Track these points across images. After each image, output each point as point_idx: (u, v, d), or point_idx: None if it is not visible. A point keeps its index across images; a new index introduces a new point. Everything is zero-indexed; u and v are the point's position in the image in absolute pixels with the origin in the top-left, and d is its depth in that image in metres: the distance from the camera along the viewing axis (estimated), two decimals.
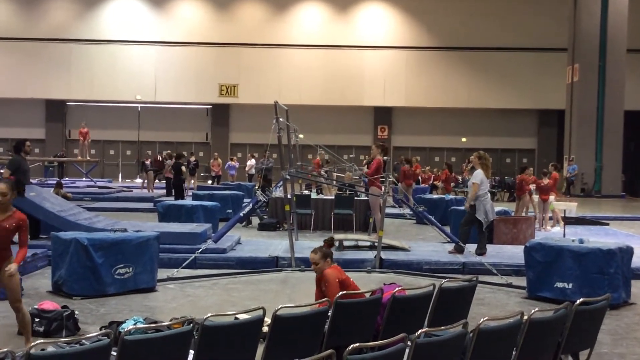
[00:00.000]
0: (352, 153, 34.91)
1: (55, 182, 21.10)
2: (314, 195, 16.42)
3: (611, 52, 29.48)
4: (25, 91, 34.39)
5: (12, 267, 5.94)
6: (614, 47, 29.47)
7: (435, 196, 19.53)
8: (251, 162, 29.91)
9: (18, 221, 6.04)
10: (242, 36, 34.87)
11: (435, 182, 25.21)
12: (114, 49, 35.02)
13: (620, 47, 29.55)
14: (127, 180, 34.31)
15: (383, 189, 11.66)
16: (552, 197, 16.25)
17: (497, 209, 14.92)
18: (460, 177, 27.62)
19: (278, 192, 15.50)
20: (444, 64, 35.04)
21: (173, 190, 20.52)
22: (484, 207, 11.35)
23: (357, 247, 11.94)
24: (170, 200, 17.39)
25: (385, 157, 12.91)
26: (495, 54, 34.81)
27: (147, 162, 27.43)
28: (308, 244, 12.46)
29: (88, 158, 30.20)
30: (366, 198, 15.53)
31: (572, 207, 15.47)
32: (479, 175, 11.43)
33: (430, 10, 34.85)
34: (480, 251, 11.10)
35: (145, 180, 27.03)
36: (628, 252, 8.66)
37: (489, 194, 11.65)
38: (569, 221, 15.82)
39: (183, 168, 20.51)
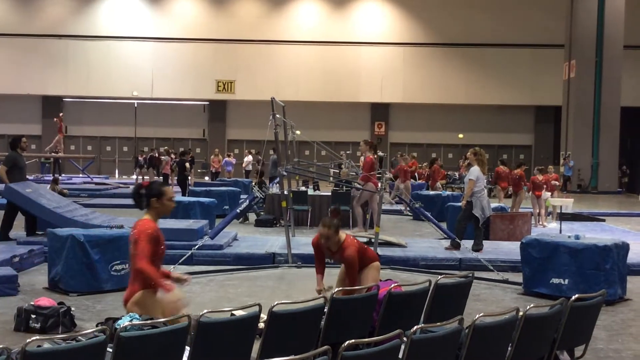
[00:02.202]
0: (349, 149, 34.88)
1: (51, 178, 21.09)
2: (310, 192, 16.42)
3: (608, 49, 29.52)
4: (21, 87, 34.32)
5: None
6: (611, 43, 29.50)
7: (431, 192, 19.54)
8: (248, 158, 29.88)
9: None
10: (239, 32, 34.83)
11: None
12: (111, 45, 34.96)
13: (617, 43, 29.58)
14: (123, 177, 34.29)
15: (380, 185, 11.66)
16: (547, 194, 16.30)
17: (493, 205, 14.97)
18: (457, 173, 27.66)
19: (275, 189, 15.51)
20: (441, 60, 35.05)
21: (179, 187, 20.65)
22: (481, 203, 11.39)
23: None
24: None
25: (381, 154, 12.93)
26: (492, 50, 34.82)
27: (140, 159, 27.40)
28: (305, 240, 12.44)
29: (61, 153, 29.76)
30: None
31: (568, 204, 15.50)
32: (475, 171, 11.49)
33: (427, 6, 34.84)
34: (477, 247, 11.12)
35: (142, 177, 27.03)
36: (624, 248, 8.68)
37: (485, 190, 11.70)
38: (565, 217, 15.86)
39: (187, 165, 20.59)
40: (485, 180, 12.01)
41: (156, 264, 5.05)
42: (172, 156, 24.50)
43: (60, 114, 30.23)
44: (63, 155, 32.23)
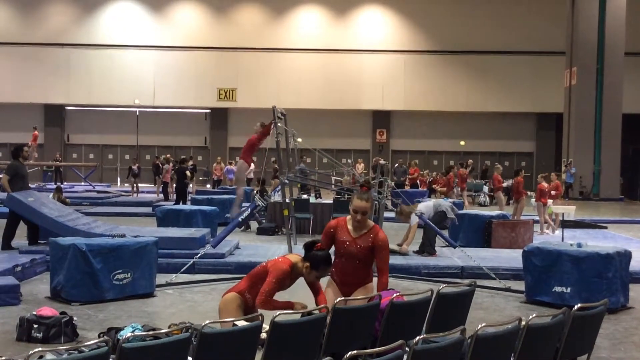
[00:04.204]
0: (350, 157, 34.90)
1: (54, 187, 21.12)
2: (312, 200, 16.43)
3: (609, 56, 29.55)
4: (23, 96, 34.39)
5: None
6: (612, 50, 29.53)
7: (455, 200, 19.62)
8: (251, 166, 29.82)
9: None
10: (240, 40, 34.91)
11: (434, 186, 25.21)
12: (113, 53, 35.06)
13: (618, 50, 29.62)
14: (125, 185, 34.30)
15: (383, 193, 11.66)
16: (550, 201, 16.29)
17: (494, 212, 14.99)
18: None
19: (276, 197, 15.51)
20: (443, 67, 35.09)
21: (175, 195, 20.48)
22: (449, 207, 12.42)
23: None
24: (170, 205, 17.38)
25: (382, 162, 12.97)
26: (494, 58, 34.87)
27: (134, 167, 27.40)
28: None
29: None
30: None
31: (570, 211, 15.50)
32: (414, 218, 11.81)
33: (429, 13, 34.91)
34: (426, 252, 11.62)
35: (136, 186, 27.03)
36: (626, 256, 8.67)
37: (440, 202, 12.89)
38: (567, 224, 15.85)
39: (187, 173, 20.47)
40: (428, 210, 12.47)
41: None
42: (171, 164, 24.48)
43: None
44: (64, 163, 32.29)
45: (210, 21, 35.46)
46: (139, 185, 27.86)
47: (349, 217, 5.76)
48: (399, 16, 35.36)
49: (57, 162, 31.63)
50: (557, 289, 8.44)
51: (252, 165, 29.53)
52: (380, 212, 11.14)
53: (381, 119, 36.18)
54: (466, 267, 10.56)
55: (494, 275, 9.81)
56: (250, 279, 5.61)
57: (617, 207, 26.70)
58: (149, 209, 19.68)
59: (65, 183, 29.89)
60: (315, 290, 5.65)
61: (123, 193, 26.98)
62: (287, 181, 11.89)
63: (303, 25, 35.44)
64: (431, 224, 11.53)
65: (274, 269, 5.45)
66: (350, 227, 5.68)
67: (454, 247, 11.45)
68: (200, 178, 31.96)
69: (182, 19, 35.48)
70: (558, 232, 15.85)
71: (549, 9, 33.86)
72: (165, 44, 35.08)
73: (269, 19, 35.43)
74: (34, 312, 6.75)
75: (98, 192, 26.91)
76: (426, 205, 12.47)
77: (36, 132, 29.62)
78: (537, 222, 16.23)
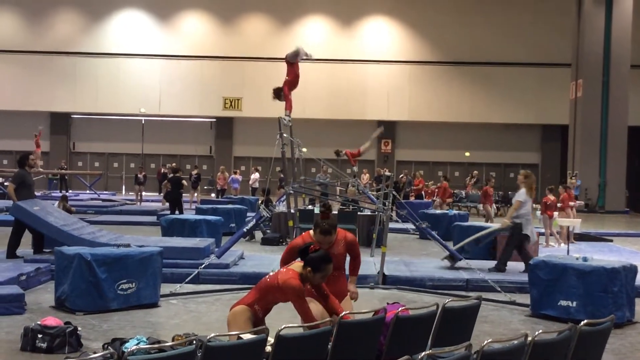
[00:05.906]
0: (355, 167, 34.82)
1: (59, 194, 21.13)
2: (317, 210, 16.39)
3: (615, 68, 29.53)
4: (30, 103, 34.53)
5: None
6: (618, 62, 29.52)
7: (438, 211, 19.52)
8: (255, 175, 29.87)
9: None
10: (246, 50, 35.01)
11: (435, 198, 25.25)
12: (119, 62, 35.19)
13: (624, 62, 29.61)
14: (130, 193, 34.35)
15: (388, 204, 11.63)
16: (555, 214, 16.24)
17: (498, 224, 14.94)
18: (464, 192, 27.65)
19: (281, 207, 15.51)
20: (448, 78, 35.12)
21: (168, 204, 20.13)
22: (530, 225, 11.52)
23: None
24: (174, 215, 17.35)
25: (388, 173, 12.93)
26: (499, 69, 34.88)
27: (140, 176, 27.42)
28: None
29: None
30: (370, 213, 15.57)
31: (576, 224, 15.43)
32: (522, 194, 11.55)
33: (434, 24, 34.96)
34: (502, 267, 11.20)
35: (140, 195, 27.04)
36: (632, 270, 8.64)
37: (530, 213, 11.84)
38: (573, 237, 15.79)
39: (184, 182, 20.11)
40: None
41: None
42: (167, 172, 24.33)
43: (40, 128, 30.34)
44: (69, 171, 32.35)
45: (216, 31, 35.59)
46: (143, 193, 27.87)
47: (311, 231, 6.04)
48: (404, 27, 35.42)
49: (63, 170, 31.69)
50: (563, 302, 8.40)
51: (257, 175, 29.65)
52: (385, 224, 11.12)
53: (386, 129, 36.01)
54: (471, 280, 10.52)
55: (499, 288, 9.77)
56: (258, 291, 5.54)
57: (622, 220, 26.62)
58: (153, 218, 19.66)
59: (70, 191, 29.95)
60: (324, 295, 5.57)
61: (128, 201, 27.01)
62: (292, 191, 11.90)
63: (308, 35, 35.49)
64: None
65: (288, 289, 5.29)
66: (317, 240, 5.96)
67: (459, 259, 11.41)
68: (205, 187, 31.96)
69: (189, 29, 35.62)
70: (564, 245, 15.79)
71: (555, 21, 33.88)
72: (172, 53, 35.21)
73: (275, 28, 35.53)
74: (39, 322, 6.74)
75: (103, 200, 26.95)
76: (527, 198, 11.63)
77: (38, 138, 29.40)
78: (542, 234, 16.18)
